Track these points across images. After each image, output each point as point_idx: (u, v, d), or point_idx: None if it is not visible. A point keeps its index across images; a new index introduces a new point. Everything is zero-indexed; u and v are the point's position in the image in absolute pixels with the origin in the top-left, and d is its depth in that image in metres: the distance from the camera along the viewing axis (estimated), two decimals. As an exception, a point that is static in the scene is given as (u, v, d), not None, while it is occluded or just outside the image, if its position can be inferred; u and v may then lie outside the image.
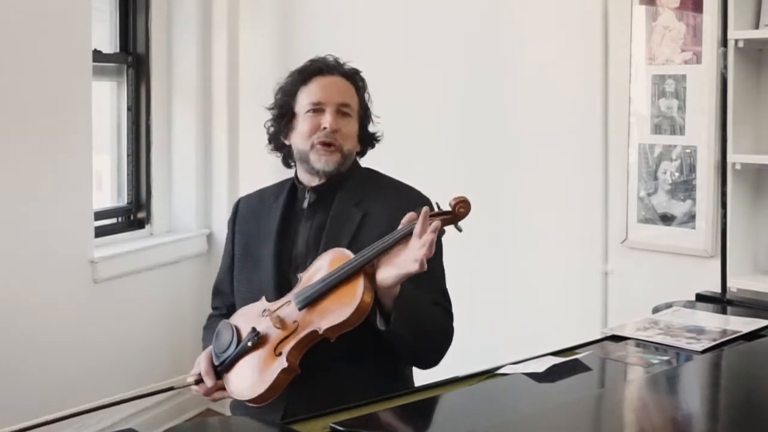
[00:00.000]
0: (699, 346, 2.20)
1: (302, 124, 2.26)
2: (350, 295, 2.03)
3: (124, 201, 4.37)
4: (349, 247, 2.16)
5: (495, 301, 3.78)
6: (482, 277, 3.81)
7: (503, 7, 3.72)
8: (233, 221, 2.42)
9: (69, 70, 3.76)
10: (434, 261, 2.06)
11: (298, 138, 2.27)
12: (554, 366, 2.06)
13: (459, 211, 2.06)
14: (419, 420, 1.94)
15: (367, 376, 2.19)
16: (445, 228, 2.07)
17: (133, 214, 4.39)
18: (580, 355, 2.16)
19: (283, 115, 2.31)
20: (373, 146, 2.37)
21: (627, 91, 3.40)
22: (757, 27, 3.11)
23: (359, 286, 2.02)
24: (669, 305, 2.61)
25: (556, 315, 3.59)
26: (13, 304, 3.51)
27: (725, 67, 3.10)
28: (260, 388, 2.08)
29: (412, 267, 1.96)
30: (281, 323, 2.09)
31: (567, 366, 2.08)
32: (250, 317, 2.18)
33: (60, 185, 3.73)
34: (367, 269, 2.04)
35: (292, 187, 2.35)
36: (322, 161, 2.23)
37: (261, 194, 2.41)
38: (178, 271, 4.35)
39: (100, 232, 4.07)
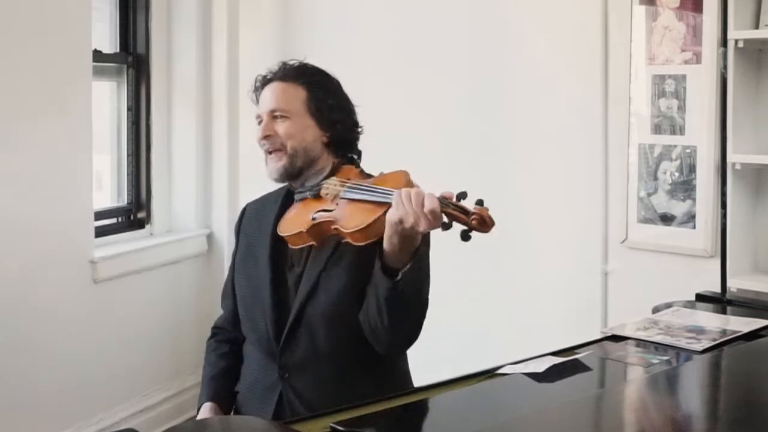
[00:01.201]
0: (699, 346, 2.20)
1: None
2: (370, 213, 2.07)
3: (124, 201, 4.36)
4: (336, 245, 2.19)
5: (495, 301, 3.78)
6: (482, 277, 3.81)
7: (503, 8, 3.72)
8: (239, 225, 2.47)
9: (69, 70, 3.76)
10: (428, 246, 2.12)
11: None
12: (554, 366, 2.06)
13: (472, 221, 2.00)
14: (419, 420, 1.94)
15: (358, 375, 2.20)
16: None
17: (133, 214, 4.38)
18: (580, 355, 2.16)
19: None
20: (348, 137, 2.35)
21: (627, 91, 3.40)
22: (757, 27, 3.11)
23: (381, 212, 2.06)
24: (669, 305, 2.61)
25: (556, 315, 3.59)
26: (13, 304, 3.51)
27: (725, 67, 3.10)
28: (285, 231, 2.21)
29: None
30: (330, 198, 2.17)
31: (567, 366, 2.08)
32: None
33: (60, 185, 3.72)
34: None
35: (289, 188, 2.37)
36: (268, 170, 2.30)
37: (264, 198, 2.46)
38: (178, 271, 4.35)
39: (100, 232, 4.07)
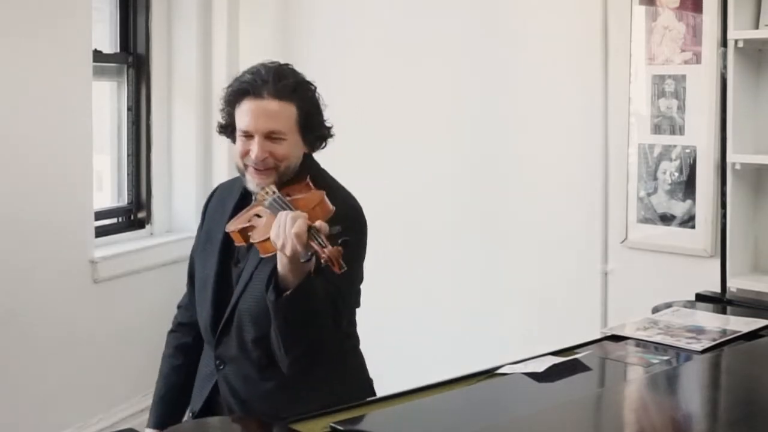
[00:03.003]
0: (699, 346, 2.20)
1: (238, 142, 2.27)
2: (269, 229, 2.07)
3: (124, 201, 4.36)
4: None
5: (495, 301, 3.78)
6: (482, 276, 3.81)
7: (503, 8, 3.72)
8: (206, 206, 2.47)
9: (69, 70, 3.76)
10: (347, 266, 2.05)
11: (235, 153, 2.28)
12: (554, 366, 2.06)
13: (322, 258, 1.94)
14: (419, 420, 1.94)
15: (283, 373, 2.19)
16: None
17: (133, 214, 4.38)
18: (579, 355, 2.16)
19: (227, 126, 2.32)
20: (322, 143, 2.33)
21: (627, 91, 3.40)
22: (757, 27, 3.11)
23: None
24: (669, 305, 2.61)
25: (555, 315, 3.59)
26: (13, 304, 3.51)
27: (725, 67, 3.10)
28: (229, 228, 2.22)
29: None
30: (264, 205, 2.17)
31: (567, 366, 2.08)
32: None
33: (60, 185, 3.72)
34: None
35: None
36: (254, 183, 2.24)
37: (233, 182, 2.42)
38: (178, 271, 4.32)
39: (101, 232, 4.07)
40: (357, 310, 2.34)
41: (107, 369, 3.94)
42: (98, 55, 4.06)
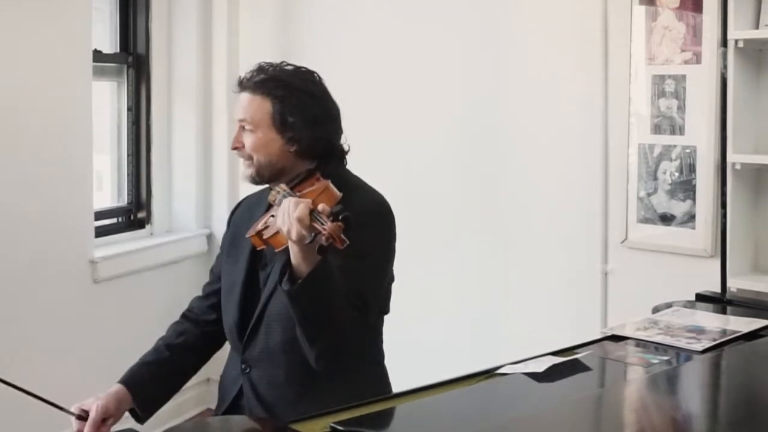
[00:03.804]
0: (699, 346, 2.20)
1: None
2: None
3: (124, 201, 4.37)
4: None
5: (495, 301, 3.78)
6: (482, 276, 3.81)
7: (503, 7, 3.72)
8: (231, 215, 2.51)
9: (69, 70, 3.76)
10: (364, 260, 2.07)
11: None
12: (554, 366, 2.06)
13: (323, 235, 1.93)
14: (419, 420, 1.94)
15: (310, 377, 2.20)
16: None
17: (133, 214, 4.39)
18: (579, 355, 2.16)
19: None
20: (319, 147, 2.30)
21: (627, 91, 3.40)
22: (757, 27, 3.11)
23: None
24: (669, 305, 2.61)
25: (556, 315, 3.59)
26: (13, 304, 3.51)
27: (725, 67, 3.10)
28: (249, 233, 2.22)
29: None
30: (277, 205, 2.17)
31: (567, 366, 2.08)
32: None
33: (60, 185, 3.72)
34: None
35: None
36: (242, 175, 2.34)
37: (260, 193, 2.46)
38: (178, 271, 4.35)
39: (100, 232, 4.07)
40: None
41: (107, 369, 3.93)
42: (98, 55, 4.06)
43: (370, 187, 2.35)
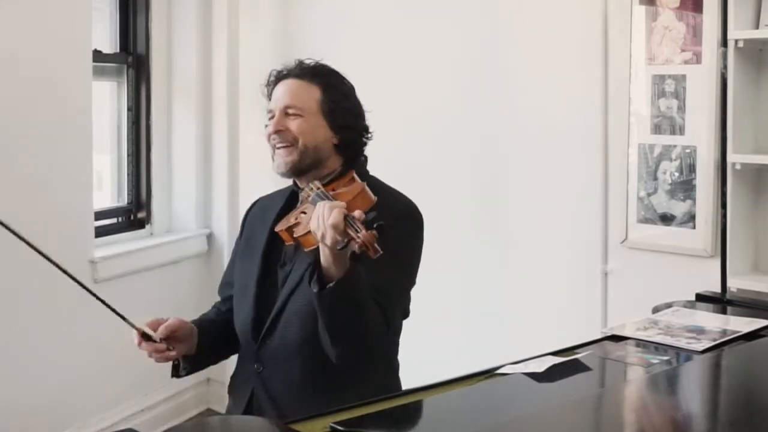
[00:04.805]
0: (699, 346, 2.20)
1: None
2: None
3: (124, 201, 4.37)
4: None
5: (495, 301, 3.78)
6: (482, 276, 3.81)
7: (503, 7, 3.72)
8: (245, 217, 2.50)
9: (69, 70, 3.76)
10: (388, 261, 2.03)
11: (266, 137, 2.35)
12: (554, 366, 2.06)
13: (357, 244, 1.92)
14: (419, 420, 1.94)
15: (324, 377, 2.20)
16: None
17: (133, 214, 4.39)
18: (580, 355, 2.16)
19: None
20: (357, 141, 2.33)
21: (627, 91, 3.40)
22: (757, 27, 3.11)
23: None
24: (669, 305, 2.61)
25: (556, 315, 3.59)
26: (13, 304, 3.51)
27: (725, 67, 3.10)
28: (279, 227, 2.22)
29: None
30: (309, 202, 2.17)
31: (567, 366, 2.08)
32: None
33: (60, 185, 3.72)
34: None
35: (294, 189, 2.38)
36: (276, 164, 2.29)
37: (273, 195, 2.47)
38: (178, 271, 4.35)
39: (100, 232, 4.07)
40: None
41: (107, 369, 3.94)
42: (98, 55, 4.06)
43: (396, 190, 2.35)
